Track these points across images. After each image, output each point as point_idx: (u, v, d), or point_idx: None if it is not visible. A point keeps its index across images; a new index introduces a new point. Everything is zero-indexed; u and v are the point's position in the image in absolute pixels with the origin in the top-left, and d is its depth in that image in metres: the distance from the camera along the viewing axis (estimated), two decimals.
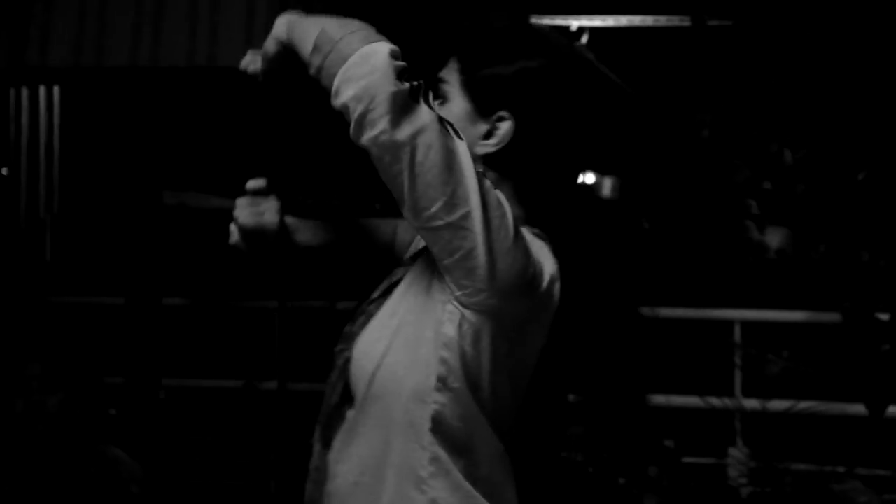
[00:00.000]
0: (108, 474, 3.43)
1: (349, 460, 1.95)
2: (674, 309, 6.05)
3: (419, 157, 1.81)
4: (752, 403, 6.03)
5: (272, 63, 2.06)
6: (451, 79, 2.04)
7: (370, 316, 2.01)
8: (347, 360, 2.00)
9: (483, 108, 2.00)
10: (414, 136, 1.80)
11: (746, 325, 6.25)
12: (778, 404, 5.78)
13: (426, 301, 1.94)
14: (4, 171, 5.70)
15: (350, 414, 2.00)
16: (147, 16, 4.55)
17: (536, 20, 5.25)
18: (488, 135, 2.02)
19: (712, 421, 6.13)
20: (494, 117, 2.02)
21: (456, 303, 1.90)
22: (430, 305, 1.93)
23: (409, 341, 1.93)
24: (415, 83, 1.87)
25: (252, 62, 2.12)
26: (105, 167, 7.45)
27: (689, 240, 6.17)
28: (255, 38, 4.50)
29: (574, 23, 5.12)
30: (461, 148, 1.86)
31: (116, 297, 6.82)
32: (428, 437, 1.91)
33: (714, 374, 5.98)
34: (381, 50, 1.82)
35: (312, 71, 1.90)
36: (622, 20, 5.12)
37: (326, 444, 2.03)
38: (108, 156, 7.39)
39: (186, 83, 5.72)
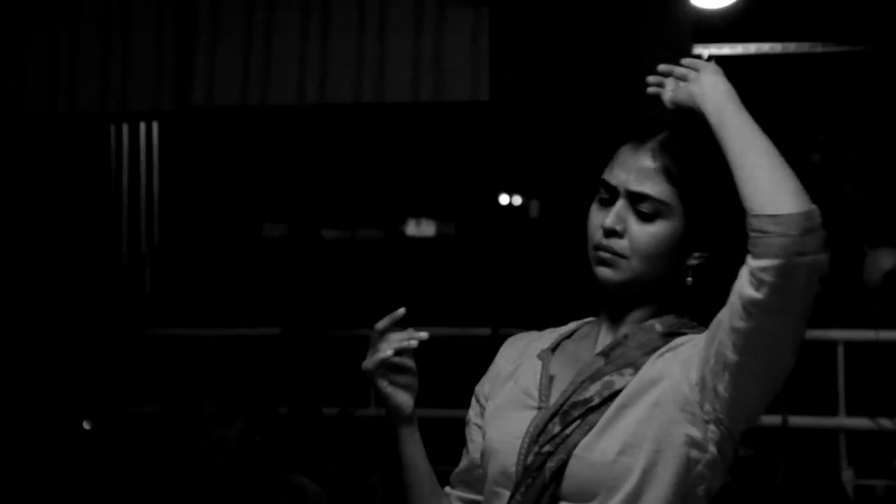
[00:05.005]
0: (297, 502, 3.41)
1: None
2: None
3: (797, 334, 1.92)
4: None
5: (674, 110, 2.03)
6: (670, 199, 2.03)
7: (590, 423, 2.01)
8: (564, 463, 2.00)
9: (703, 237, 2.04)
10: (802, 323, 1.91)
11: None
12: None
13: (680, 418, 1.99)
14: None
15: None
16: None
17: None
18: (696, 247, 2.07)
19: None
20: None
21: (723, 427, 1.98)
22: (686, 421, 1.99)
23: (670, 453, 1.98)
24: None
25: (661, 88, 2.05)
26: (205, 203, 7.46)
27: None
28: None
29: (703, 52, 5.13)
30: None
31: (218, 328, 6.82)
32: None
33: None
34: (824, 262, 1.87)
35: (753, 222, 1.87)
36: (751, 48, 5.12)
37: None
38: (209, 192, 7.40)
39: (289, 121, 5.73)
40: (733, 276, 1.93)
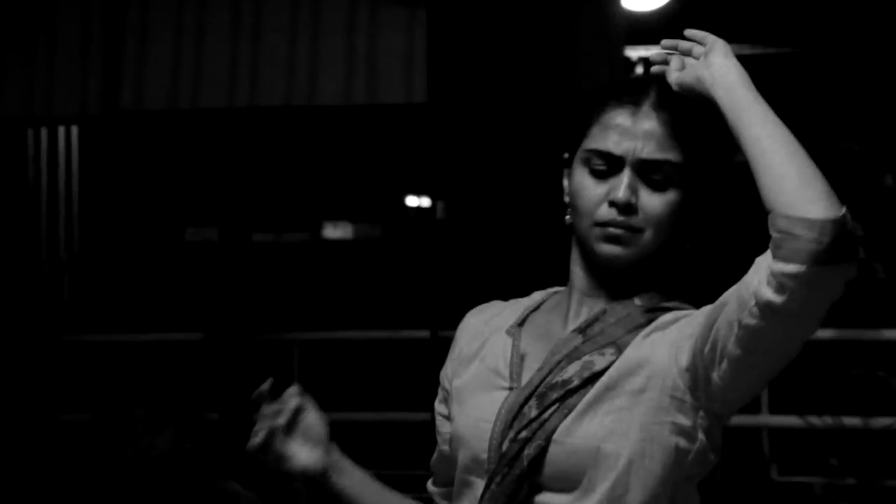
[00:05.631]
0: None
1: None
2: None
3: (809, 335, 1.79)
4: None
5: (681, 90, 1.86)
6: (682, 162, 1.87)
7: (569, 406, 1.88)
8: (543, 450, 1.87)
9: (704, 202, 1.91)
10: (818, 325, 1.79)
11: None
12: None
13: (668, 405, 1.87)
14: None
15: (553, 501, 1.90)
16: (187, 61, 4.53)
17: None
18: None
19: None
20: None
21: (713, 414, 1.88)
22: (674, 409, 1.87)
23: (658, 443, 1.87)
24: None
25: (664, 65, 1.89)
26: (127, 208, 7.38)
27: None
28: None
29: (633, 54, 5.15)
30: None
31: (135, 334, 6.75)
32: None
33: None
34: (854, 269, 1.74)
35: (779, 223, 1.72)
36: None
37: None
38: (129, 197, 7.32)
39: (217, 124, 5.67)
40: (721, 249, 1.87)
